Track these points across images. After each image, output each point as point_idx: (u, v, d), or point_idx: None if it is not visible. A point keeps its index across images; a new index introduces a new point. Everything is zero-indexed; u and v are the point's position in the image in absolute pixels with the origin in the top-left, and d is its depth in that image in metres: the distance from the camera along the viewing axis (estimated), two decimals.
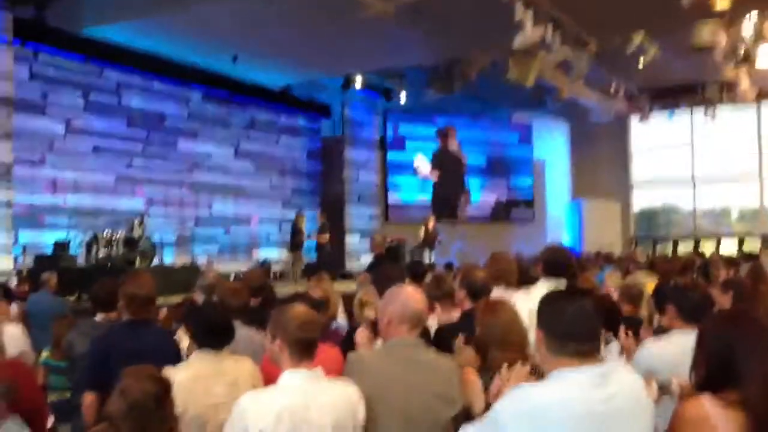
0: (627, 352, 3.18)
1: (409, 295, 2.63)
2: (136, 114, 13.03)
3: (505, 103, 19.36)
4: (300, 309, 2.47)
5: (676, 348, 2.77)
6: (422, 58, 14.03)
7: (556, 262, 3.84)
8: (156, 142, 13.38)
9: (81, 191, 11.99)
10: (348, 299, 5.40)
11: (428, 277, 5.19)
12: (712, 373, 1.86)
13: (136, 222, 11.32)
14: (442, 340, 3.25)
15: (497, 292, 3.63)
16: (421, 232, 14.46)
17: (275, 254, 15.32)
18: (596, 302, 2.01)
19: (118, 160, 12.64)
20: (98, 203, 12.14)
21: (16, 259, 10.79)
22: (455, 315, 3.69)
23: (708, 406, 1.80)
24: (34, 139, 11.34)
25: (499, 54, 12.97)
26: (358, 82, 15.92)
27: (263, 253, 15.23)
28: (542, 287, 3.51)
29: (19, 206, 11.01)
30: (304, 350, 2.37)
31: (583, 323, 1.90)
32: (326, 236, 13.58)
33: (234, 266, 12.69)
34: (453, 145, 18.79)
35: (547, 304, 2.00)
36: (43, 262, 9.92)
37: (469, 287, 3.51)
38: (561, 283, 3.60)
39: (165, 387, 2.31)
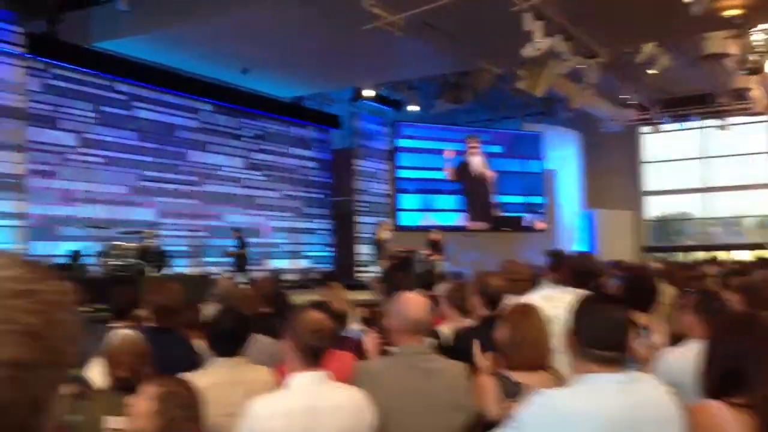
0: (644, 362, 3.13)
1: (408, 302, 2.62)
2: (147, 126, 13.12)
3: (515, 113, 19.35)
4: (314, 316, 2.46)
5: (697, 356, 2.72)
6: (432, 70, 14.05)
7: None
8: (167, 153, 13.47)
9: (94, 202, 12.06)
10: (359, 307, 5.38)
11: (440, 286, 5.18)
12: (723, 379, 1.85)
13: (149, 233, 11.37)
14: (461, 345, 3.22)
15: (509, 299, 3.58)
16: (425, 243, 14.44)
17: (286, 264, 15.35)
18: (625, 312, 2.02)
19: (129, 171, 12.72)
20: (111, 214, 12.20)
21: None
22: (467, 322, 3.66)
23: (718, 410, 1.79)
24: (46, 151, 11.44)
25: (509, 64, 12.98)
26: (368, 93, 15.98)
27: (275, 264, 15.25)
28: (568, 294, 3.21)
29: (32, 217, 11.10)
30: (311, 357, 2.36)
31: (611, 331, 1.90)
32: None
33: (246, 277, 12.70)
34: (476, 158, 18.57)
35: (582, 308, 2.00)
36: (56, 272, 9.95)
37: (486, 294, 3.48)
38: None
39: (197, 396, 2.26)
